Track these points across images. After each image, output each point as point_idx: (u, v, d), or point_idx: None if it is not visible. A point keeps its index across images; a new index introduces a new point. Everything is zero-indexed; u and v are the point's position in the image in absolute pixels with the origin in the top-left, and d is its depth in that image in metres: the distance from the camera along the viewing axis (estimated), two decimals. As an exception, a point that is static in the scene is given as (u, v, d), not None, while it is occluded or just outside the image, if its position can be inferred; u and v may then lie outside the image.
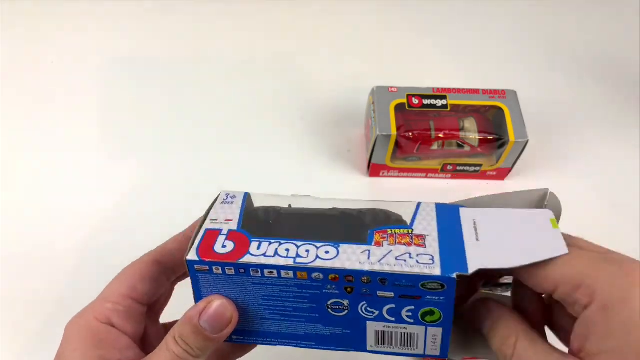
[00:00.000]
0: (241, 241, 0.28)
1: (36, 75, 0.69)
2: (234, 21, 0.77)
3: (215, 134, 0.65)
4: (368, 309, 0.28)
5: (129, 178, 0.61)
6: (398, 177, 0.63)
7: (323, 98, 0.69)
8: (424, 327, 0.28)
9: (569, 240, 0.27)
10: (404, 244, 0.27)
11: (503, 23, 0.80)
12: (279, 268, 0.27)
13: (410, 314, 0.27)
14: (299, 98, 0.69)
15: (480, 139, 0.58)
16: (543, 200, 0.31)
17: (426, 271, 0.26)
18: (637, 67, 0.75)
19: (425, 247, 0.27)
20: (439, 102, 0.59)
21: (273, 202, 0.32)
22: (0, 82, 0.67)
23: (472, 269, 0.25)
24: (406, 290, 0.26)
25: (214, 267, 0.28)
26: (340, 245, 0.27)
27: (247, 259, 0.27)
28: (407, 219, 0.29)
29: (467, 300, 0.32)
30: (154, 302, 0.34)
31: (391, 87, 0.59)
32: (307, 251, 0.27)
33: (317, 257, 0.27)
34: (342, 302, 0.28)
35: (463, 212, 0.30)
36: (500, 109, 0.59)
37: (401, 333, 0.29)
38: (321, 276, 0.27)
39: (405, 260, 0.26)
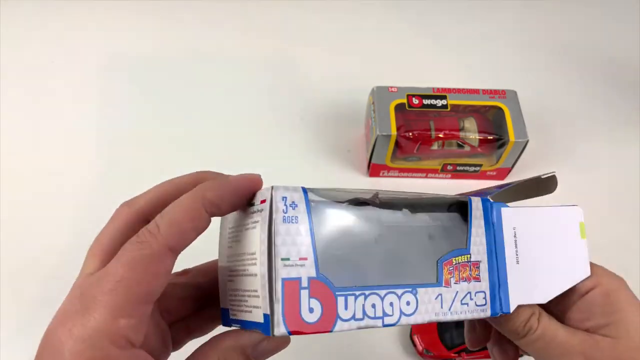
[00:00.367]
0: (326, 298, 0.24)
1: (36, 75, 0.69)
2: (234, 21, 0.77)
3: (214, 134, 0.65)
4: None
5: (129, 178, 0.61)
6: (398, 177, 0.63)
7: (323, 98, 0.69)
8: None
9: None
10: (465, 279, 0.28)
11: (503, 23, 0.80)
12: (366, 328, 0.25)
13: None
14: (298, 98, 0.69)
15: (480, 139, 0.58)
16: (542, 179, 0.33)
17: (481, 315, 0.29)
18: (637, 67, 0.75)
19: (480, 281, 0.29)
20: (439, 102, 0.59)
21: (334, 205, 0.26)
22: (0, 82, 0.67)
23: (512, 306, 0.29)
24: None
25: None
26: (418, 291, 0.27)
27: (339, 326, 0.24)
28: (463, 230, 0.29)
29: None
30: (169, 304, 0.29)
31: (391, 87, 0.59)
32: (391, 305, 0.26)
33: (401, 312, 0.26)
34: None
35: (505, 216, 0.30)
36: (500, 109, 0.59)
37: None
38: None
39: (467, 304, 0.28)
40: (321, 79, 0.71)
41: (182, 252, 0.25)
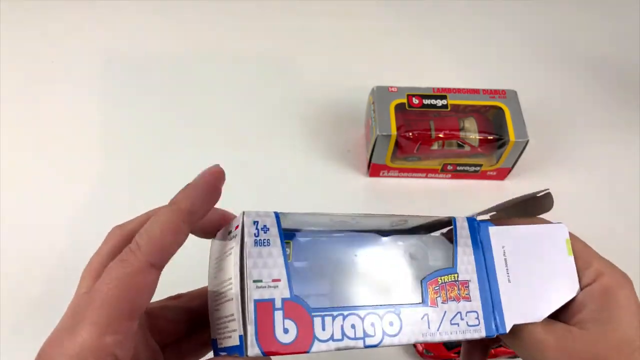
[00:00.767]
0: (302, 319, 0.24)
1: (36, 75, 0.69)
2: (234, 21, 0.77)
3: (214, 134, 0.65)
4: None
5: (128, 178, 0.61)
6: (398, 177, 0.63)
7: (323, 98, 0.69)
8: None
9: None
10: (454, 299, 0.27)
11: (503, 23, 0.80)
12: (345, 349, 0.24)
13: None
14: (299, 98, 0.69)
15: (480, 139, 0.58)
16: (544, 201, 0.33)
17: (475, 335, 0.28)
18: (637, 67, 0.75)
19: (471, 301, 0.28)
20: (439, 102, 0.59)
21: (305, 225, 0.27)
22: (0, 82, 0.67)
23: (508, 326, 0.28)
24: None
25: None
26: (401, 310, 0.26)
27: (316, 347, 0.24)
28: (449, 250, 0.29)
29: None
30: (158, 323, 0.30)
31: (391, 87, 0.59)
32: (373, 325, 0.25)
33: (384, 333, 0.25)
34: None
35: (492, 234, 0.30)
36: (500, 109, 0.59)
37: None
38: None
39: (458, 324, 0.27)
40: (321, 78, 0.71)
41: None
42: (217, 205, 0.29)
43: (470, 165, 0.61)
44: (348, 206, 0.61)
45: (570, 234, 0.32)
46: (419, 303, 0.27)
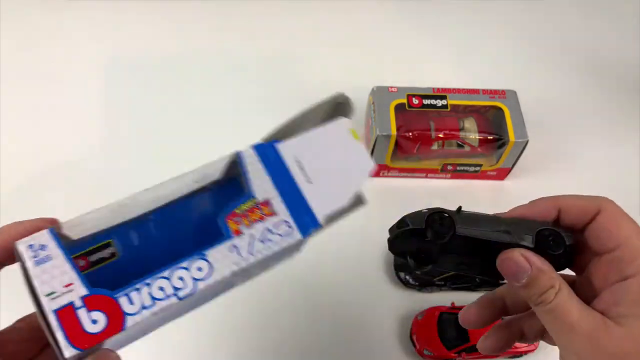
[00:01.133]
0: (107, 305, 0.25)
1: (36, 75, 0.69)
2: (234, 22, 0.77)
3: (214, 133, 0.65)
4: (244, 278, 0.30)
5: (131, 177, 0.61)
6: (398, 177, 0.63)
7: (323, 98, 0.69)
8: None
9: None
10: (258, 220, 0.29)
11: (503, 23, 0.80)
12: (166, 309, 0.26)
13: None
14: (298, 98, 0.69)
15: (480, 139, 0.58)
16: (337, 104, 0.35)
17: (291, 240, 0.29)
18: (637, 67, 0.75)
19: (277, 214, 0.29)
20: (439, 102, 0.59)
21: (96, 224, 0.29)
22: (0, 81, 0.67)
23: (320, 218, 0.30)
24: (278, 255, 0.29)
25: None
26: (207, 253, 0.27)
27: (131, 321, 0.25)
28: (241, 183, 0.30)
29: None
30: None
31: (391, 87, 0.59)
32: (181, 279, 0.26)
33: (194, 280, 0.26)
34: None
35: (282, 150, 0.32)
36: (500, 109, 0.59)
37: None
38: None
39: (270, 240, 0.28)
40: (321, 78, 0.71)
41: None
42: None
43: (470, 165, 0.61)
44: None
45: (625, 215, 0.31)
46: (223, 239, 0.28)
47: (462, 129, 0.58)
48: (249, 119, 0.67)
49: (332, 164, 0.32)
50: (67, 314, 0.24)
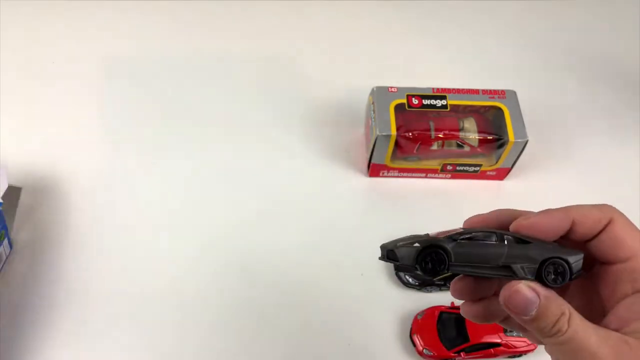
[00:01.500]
0: None
1: (37, 75, 0.69)
2: (234, 21, 0.77)
3: (214, 134, 0.65)
4: None
5: (128, 177, 0.61)
6: (398, 177, 0.63)
7: (323, 98, 0.69)
8: None
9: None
10: None
11: (503, 23, 0.80)
12: None
13: None
14: (299, 98, 0.69)
15: (480, 139, 0.58)
16: None
17: None
18: (637, 67, 0.75)
19: None
20: (439, 102, 0.59)
21: None
22: (0, 82, 0.67)
23: None
24: None
25: None
26: None
27: None
28: None
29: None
30: None
31: (391, 87, 0.59)
32: None
33: None
34: None
35: None
36: (499, 109, 0.59)
37: None
38: None
39: None
40: (321, 79, 0.71)
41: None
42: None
43: (469, 165, 0.61)
44: (348, 206, 0.61)
45: (635, 226, 0.30)
46: None
47: (461, 129, 0.58)
48: (248, 119, 0.67)
49: None
50: None
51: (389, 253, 0.31)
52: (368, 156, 0.61)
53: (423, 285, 0.55)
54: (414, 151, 0.59)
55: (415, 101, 0.59)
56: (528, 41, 0.78)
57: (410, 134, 0.57)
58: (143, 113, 0.66)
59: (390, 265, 0.58)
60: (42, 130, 0.64)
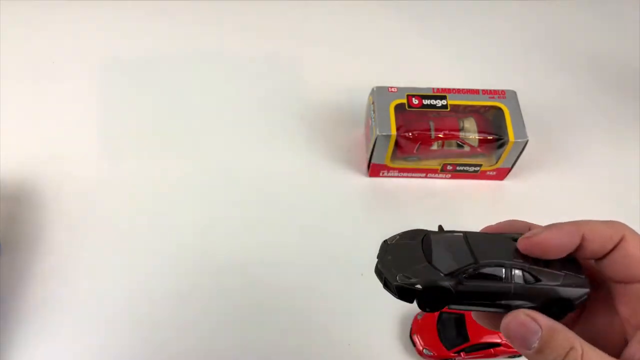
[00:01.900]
0: None
1: (36, 75, 0.69)
2: (234, 21, 0.77)
3: (214, 134, 0.65)
4: None
5: (128, 177, 0.61)
6: (398, 177, 0.63)
7: (323, 98, 0.69)
8: None
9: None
10: None
11: (503, 23, 0.80)
12: None
13: None
14: (299, 98, 0.69)
15: (480, 139, 0.58)
16: None
17: None
18: (637, 67, 0.75)
19: None
20: (439, 102, 0.59)
21: None
22: (0, 82, 0.67)
23: None
24: None
25: None
26: None
27: None
28: None
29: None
30: None
31: (391, 87, 0.59)
32: None
33: None
34: None
35: None
36: (500, 109, 0.59)
37: None
38: None
39: None
40: (321, 79, 0.71)
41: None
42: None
43: (469, 165, 0.61)
44: (348, 206, 0.61)
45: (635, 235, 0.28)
46: None
47: (461, 129, 0.58)
48: (248, 119, 0.67)
49: None
50: None
51: (385, 282, 0.30)
52: (368, 156, 0.61)
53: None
54: (414, 151, 0.59)
55: (415, 101, 0.59)
56: (528, 41, 0.78)
57: (410, 134, 0.57)
58: (142, 113, 0.66)
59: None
60: (40, 129, 0.64)
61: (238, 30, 0.76)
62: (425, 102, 0.59)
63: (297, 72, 0.72)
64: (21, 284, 0.53)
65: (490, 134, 0.58)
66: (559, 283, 0.28)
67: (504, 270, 0.28)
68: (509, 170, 0.62)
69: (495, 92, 0.60)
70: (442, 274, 0.28)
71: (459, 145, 0.59)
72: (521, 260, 0.29)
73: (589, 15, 0.82)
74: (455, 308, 0.29)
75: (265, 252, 0.57)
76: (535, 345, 0.26)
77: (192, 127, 0.66)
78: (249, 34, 0.75)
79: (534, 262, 0.29)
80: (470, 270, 0.28)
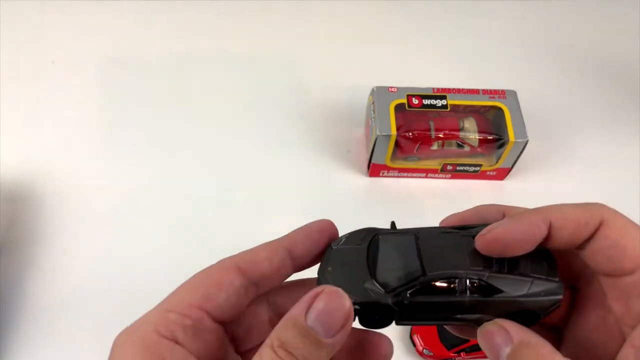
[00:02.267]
0: None
1: (36, 75, 0.69)
2: (234, 21, 0.77)
3: (214, 134, 0.65)
4: None
5: (128, 178, 0.61)
6: (398, 177, 0.63)
7: (323, 98, 0.69)
8: None
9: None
10: None
11: (503, 23, 0.80)
12: None
13: None
14: (299, 98, 0.69)
15: (480, 139, 0.58)
16: None
17: None
18: (637, 67, 0.75)
19: None
20: (439, 102, 0.59)
21: None
22: (0, 82, 0.67)
23: None
24: None
25: None
26: None
27: None
28: None
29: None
30: (236, 326, 0.27)
31: (391, 87, 0.59)
32: None
33: None
34: None
35: None
36: (500, 109, 0.59)
37: None
38: None
39: None
40: (321, 79, 0.71)
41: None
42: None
43: (470, 165, 0.61)
44: (348, 206, 0.61)
45: (636, 225, 0.25)
46: None
47: (462, 129, 0.58)
48: (248, 119, 0.67)
49: None
50: None
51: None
52: (368, 156, 0.61)
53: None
54: (414, 151, 0.59)
55: (415, 101, 0.59)
56: (528, 41, 0.78)
57: (410, 134, 0.57)
58: (142, 113, 0.66)
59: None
60: (40, 129, 0.64)
61: (238, 30, 0.76)
62: (425, 102, 0.59)
63: (297, 72, 0.72)
64: (21, 284, 0.53)
65: (490, 134, 0.58)
66: (523, 293, 0.25)
67: (457, 281, 0.25)
68: (509, 170, 0.62)
69: (495, 92, 0.60)
70: (382, 292, 0.25)
71: (459, 145, 0.59)
72: (480, 267, 0.25)
73: (589, 15, 0.82)
74: (405, 324, 0.26)
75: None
76: (505, 358, 0.23)
77: (192, 127, 0.65)
78: (249, 33, 0.75)
79: (498, 264, 0.25)
80: (417, 285, 0.25)
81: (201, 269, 0.27)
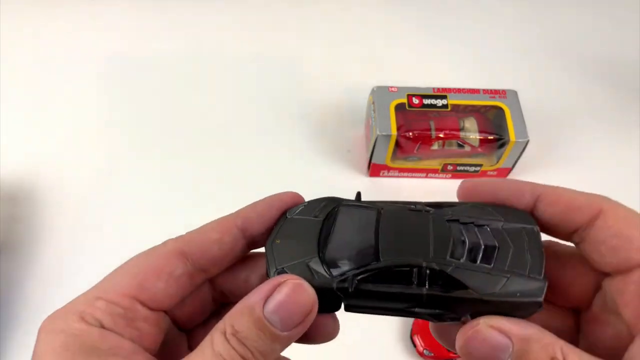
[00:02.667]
0: None
1: (36, 75, 0.69)
2: (234, 21, 0.77)
3: (214, 133, 0.65)
4: None
5: (128, 178, 0.61)
6: (398, 177, 0.63)
7: (323, 98, 0.69)
8: None
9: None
10: None
11: (503, 23, 0.80)
12: None
13: None
14: (299, 98, 0.69)
15: (480, 139, 0.58)
16: None
17: None
18: (637, 67, 0.75)
19: None
20: (439, 102, 0.59)
21: None
22: (0, 81, 0.67)
23: None
24: None
25: None
26: None
27: None
28: None
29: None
30: (180, 309, 0.25)
31: (391, 87, 0.59)
32: None
33: None
34: None
35: None
36: (500, 108, 0.59)
37: None
38: None
39: None
40: (321, 78, 0.71)
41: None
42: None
43: (470, 165, 0.61)
44: (348, 206, 0.61)
45: (633, 215, 0.23)
46: None
47: (462, 129, 0.58)
48: (248, 119, 0.67)
49: None
50: None
51: (268, 274, 0.25)
52: (368, 156, 0.61)
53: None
54: (415, 151, 0.59)
55: (415, 101, 0.59)
56: (529, 41, 0.78)
57: (410, 134, 0.57)
58: (142, 113, 0.66)
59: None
60: (40, 129, 0.64)
61: (238, 30, 0.76)
62: (426, 101, 0.59)
63: (297, 72, 0.72)
64: (21, 284, 0.53)
65: (491, 133, 0.58)
66: (493, 291, 0.21)
67: (415, 270, 0.22)
68: (510, 170, 0.62)
69: (496, 91, 0.60)
70: (327, 275, 0.23)
71: (460, 145, 0.59)
72: (444, 256, 0.22)
73: (589, 15, 0.81)
74: (355, 311, 0.24)
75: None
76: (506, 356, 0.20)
77: (192, 127, 0.65)
78: (249, 33, 0.75)
79: (471, 254, 0.22)
80: (367, 271, 0.22)
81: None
